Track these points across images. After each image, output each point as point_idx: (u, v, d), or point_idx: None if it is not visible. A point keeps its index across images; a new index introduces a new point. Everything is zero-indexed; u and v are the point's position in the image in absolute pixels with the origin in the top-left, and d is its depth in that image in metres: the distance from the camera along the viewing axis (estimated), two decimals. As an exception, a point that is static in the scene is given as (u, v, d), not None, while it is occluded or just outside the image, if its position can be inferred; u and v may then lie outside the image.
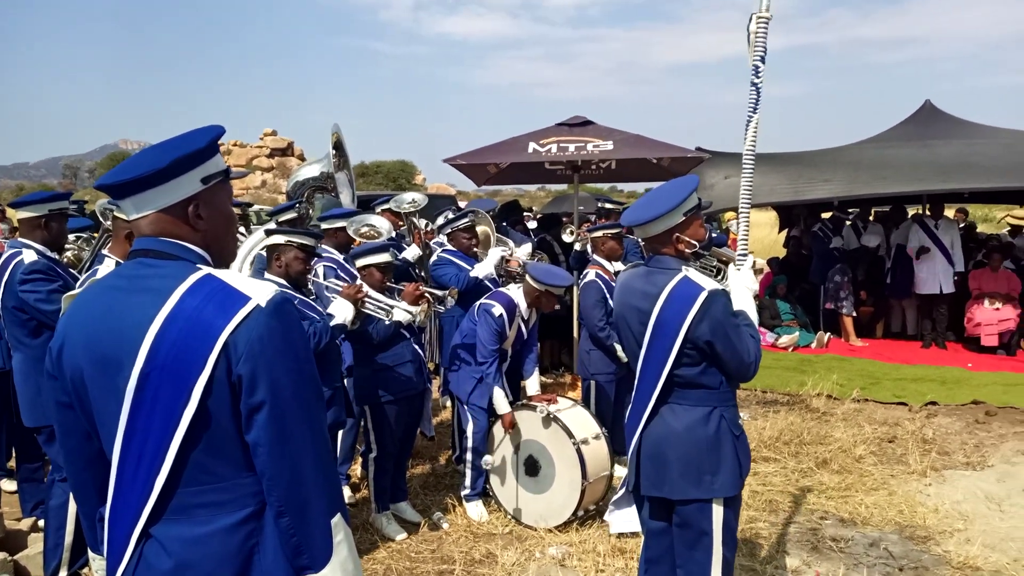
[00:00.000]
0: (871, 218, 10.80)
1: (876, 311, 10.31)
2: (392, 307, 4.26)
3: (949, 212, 10.84)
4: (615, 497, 3.19)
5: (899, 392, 7.41)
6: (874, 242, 10.16)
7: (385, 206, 6.01)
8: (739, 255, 3.05)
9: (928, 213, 9.74)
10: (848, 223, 10.41)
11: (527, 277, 4.75)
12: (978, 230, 12.50)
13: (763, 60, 3.07)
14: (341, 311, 4.06)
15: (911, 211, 10.76)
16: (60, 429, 1.76)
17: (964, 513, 4.65)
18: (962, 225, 11.24)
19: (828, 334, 9.69)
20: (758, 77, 3.06)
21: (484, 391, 4.63)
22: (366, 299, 4.20)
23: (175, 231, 1.65)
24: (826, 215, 10.65)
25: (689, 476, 2.72)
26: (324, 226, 5.14)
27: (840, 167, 9.96)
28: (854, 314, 9.73)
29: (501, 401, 4.58)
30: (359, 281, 4.35)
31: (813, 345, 9.51)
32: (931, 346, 9.38)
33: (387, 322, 4.27)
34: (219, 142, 1.72)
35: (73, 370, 1.63)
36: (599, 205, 7.04)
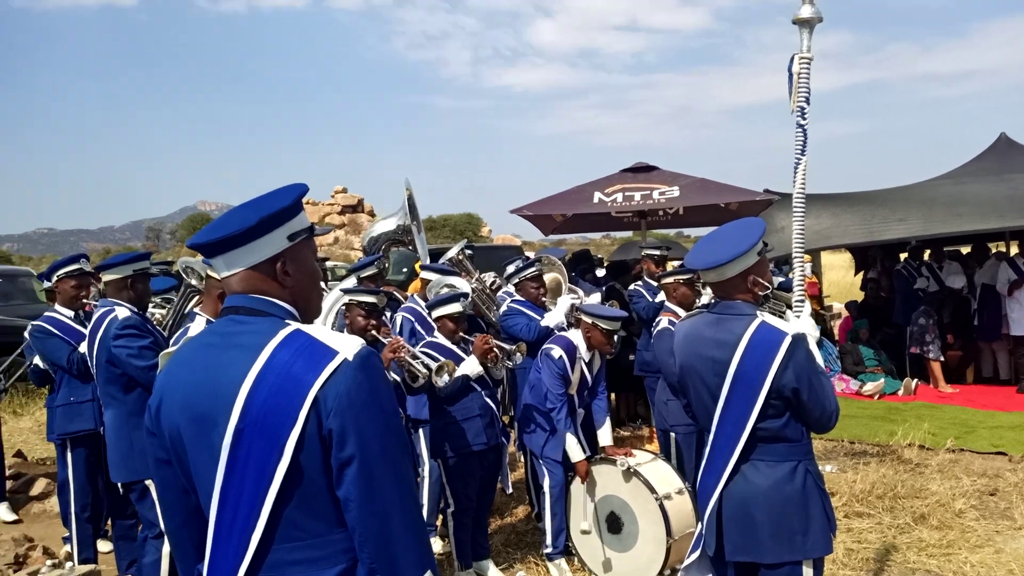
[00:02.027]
0: (947, 259, 10.41)
1: (964, 355, 9.85)
2: (437, 365, 4.15)
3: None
4: (686, 563, 3.01)
5: (997, 441, 7.00)
6: (959, 283, 9.77)
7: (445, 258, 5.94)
8: (796, 301, 2.94)
9: (1017, 251, 9.33)
10: (926, 265, 10.05)
11: (581, 314, 4.70)
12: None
13: (808, 101, 3.02)
14: None
15: (993, 248, 10.34)
16: (159, 485, 1.78)
17: (1081, 571, 4.32)
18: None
19: (915, 380, 9.27)
20: (804, 119, 3.01)
21: (558, 443, 4.55)
22: (414, 356, 4.16)
23: (264, 287, 1.68)
24: (903, 255, 10.32)
25: (780, 537, 2.56)
26: (422, 276, 5.27)
27: (915, 205, 9.66)
28: (942, 358, 9.30)
29: (574, 448, 4.48)
30: (397, 336, 4.38)
31: (900, 392, 9.11)
32: (1028, 390, 8.89)
33: (446, 379, 4.18)
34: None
35: (171, 427, 1.65)
36: (643, 252, 6.80)
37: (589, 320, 4.62)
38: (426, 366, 4.11)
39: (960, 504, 5.36)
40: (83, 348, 4.39)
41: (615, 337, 4.70)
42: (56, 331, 4.64)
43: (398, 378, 4.17)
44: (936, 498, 5.47)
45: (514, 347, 4.48)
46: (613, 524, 4.45)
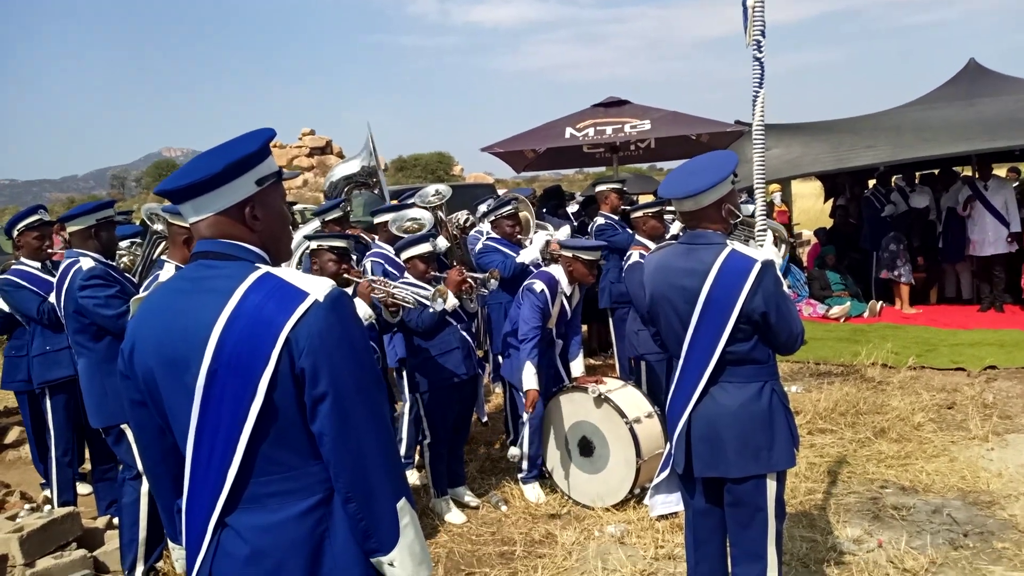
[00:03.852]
0: (916, 181, 10.57)
1: (929, 277, 10.10)
2: (421, 296, 4.24)
3: (1000, 171, 10.54)
4: (655, 482, 3.15)
5: (956, 357, 7.26)
6: (923, 203, 9.90)
7: (411, 201, 5.96)
8: (759, 231, 3.02)
9: (977, 175, 9.49)
10: (895, 187, 10.19)
11: (561, 249, 4.79)
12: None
13: (763, 34, 3.05)
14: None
15: (962, 172, 10.49)
16: (135, 426, 1.84)
17: (1029, 477, 4.56)
18: (1016, 184, 10.91)
19: (880, 302, 9.52)
20: (760, 51, 3.05)
21: (539, 376, 4.66)
22: (392, 292, 4.22)
23: (233, 232, 1.71)
24: (872, 182, 10.44)
25: (746, 453, 2.67)
26: (376, 221, 5.25)
27: (883, 132, 9.75)
28: (912, 282, 9.53)
29: (530, 377, 4.57)
30: (371, 276, 4.43)
31: (865, 314, 9.35)
32: (988, 309, 9.16)
33: (429, 310, 4.31)
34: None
35: (144, 370, 1.70)
36: (608, 187, 6.66)
37: (570, 254, 4.70)
38: (420, 296, 4.19)
39: (919, 418, 5.59)
40: (52, 298, 4.40)
41: (595, 267, 4.81)
42: (25, 283, 4.64)
43: (374, 316, 4.20)
44: (896, 413, 5.71)
45: (486, 275, 4.57)
46: (585, 448, 4.61)
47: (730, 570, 2.88)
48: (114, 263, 4.15)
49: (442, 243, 5.59)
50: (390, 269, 4.92)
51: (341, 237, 4.32)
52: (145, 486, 3.76)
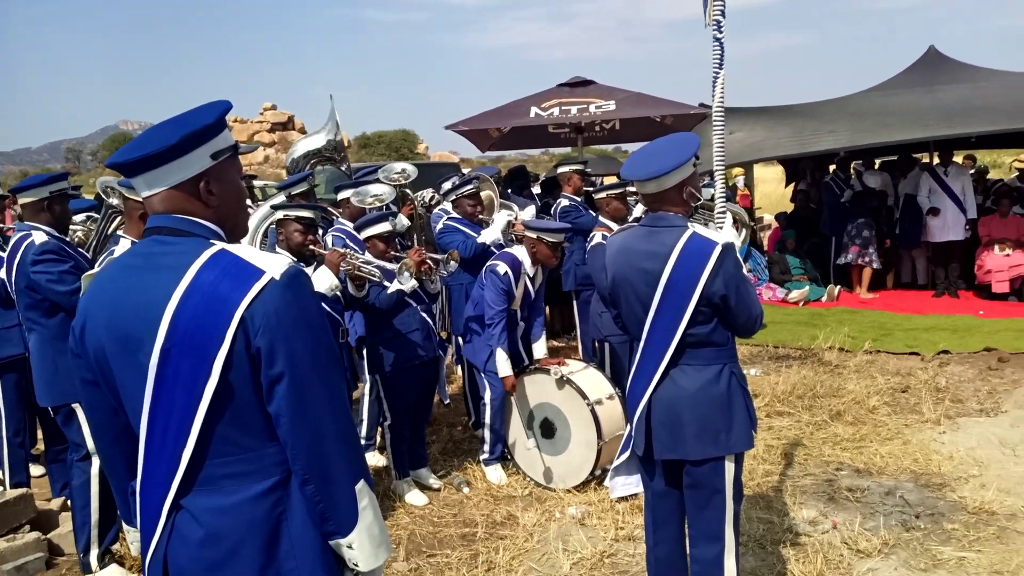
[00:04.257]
0: (876, 167, 10.73)
1: (886, 262, 10.29)
2: (385, 276, 4.22)
3: (958, 159, 10.75)
4: (615, 464, 3.17)
5: (911, 342, 7.42)
6: (875, 183, 10.04)
7: (372, 176, 5.79)
8: (718, 214, 3.03)
9: (937, 161, 9.66)
10: (853, 172, 10.33)
11: (525, 231, 4.77)
12: (989, 176, 12.38)
13: (723, 14, 3.06)
14: (322, 280, 4.04)
15: (922, 159, 10.68)
16: (87, 406, 1.80)
17: (979, 459, 4.68)
18: (972, 171, 11.14)
19: (839, 287, 9.67)
20: (720, 32, 3.06)
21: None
22: (360, 266, 4.19)
23: (187, 207, 1.66)
24: (832, 167, 10.58)
25: (705, 436, 2.70)
26: (339, 197, 5.18)
27: (845, 117, 9.88)
28: (879, 266, 9.66)
29: (503, 364, 4.59)
30: (341, 248, 4.38)
31: (824, 299, 9.50)
32: (943, 295, 9.37)
33: (389, 291, 4.29)
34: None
35: (96, 348, 1.65)
36: (570, 168, 6.61)
37: (534, 235, 4.69)
38: (381, 268, 4.14)
39: (874, 401, 5.70)
40: (2, 274, 4.27)
41: (559, 249, 4.80)
42: (-26, 257, 4.50)
43: (339, 288, 4.14)
44: (852, 396, 5.82)
45: (445, 255, 4.54)
46: (547, 430, 4.62)
47: (688, 551, 2.91)
48: (67, 238, 4.03)
49: (403, 222, 5.53)
50: (352, 245, 4.85)
51: (309, 208, 4.24)
52: (95, 467, 3.68)
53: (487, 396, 4.74)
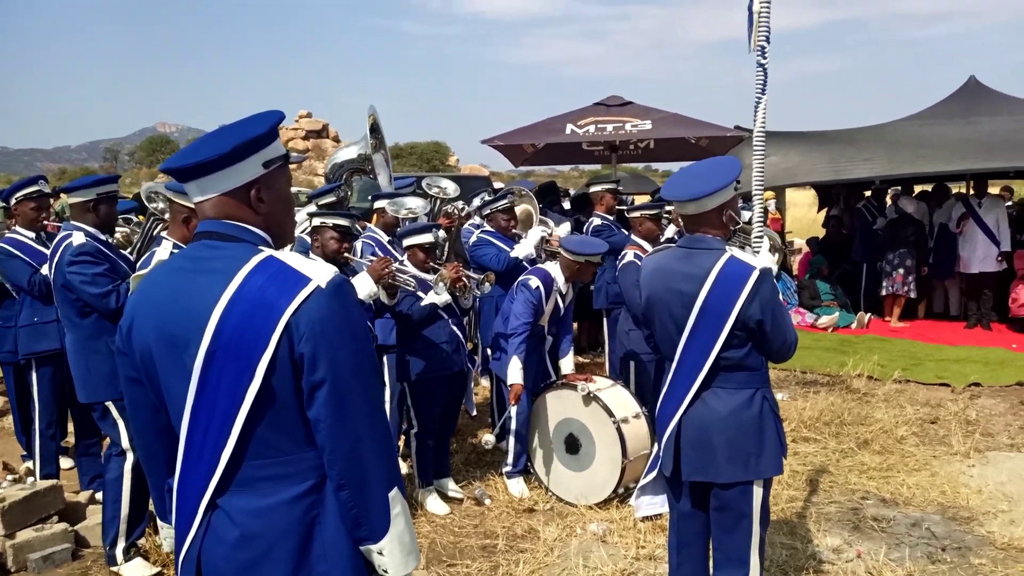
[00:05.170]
0: (913, 193, 10.61)
1: (918, 292, 10.16)
2: (419, 287, 4.27)
3: (994, 190, 10.61)
4: (641, 483, 3.16)
5: (942, 373, 7.32)
6: (911, 209, 9.90)
7: (409, 188, 5.87)
8: (755, 238, 3.03)
9: (972, 192, 9.54)
10: (890, 198, 10.22)
11: (562, 251, 4.79)
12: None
13: (768, 40, 3.05)
14: (361, 287, 4.07)
15: (954, 190, 10.55)
16: (130, 403, 1.83)
17: (1008, 494, 4.60)
18: (1009, 203, 10.98)
19: (869, 314, 9.57)
20: (764, 57, 3.05)
21: (526, 372, 4.67)
22: (396, 275, 4.23)
23: (238, 214, 1.70)
24: (867, 193, 10.49)
25: (735, 459, 2.69)
26: (376, 205, 5.26)
27: (881, 145, 9.79)
28: (915, 295, 9.55)
29: (515, 371, 4.55)
30: (386, 257, 4.43)
31: (854, 326, 9.40)
32: (975, 327, 9.23)
33: (423, 303, 4.34)
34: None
35: (142, 347, 1.69)
36: (603, 188, 6.60)
37: (580, 259, 4.69)
38: (417, 279, 4.22)
39: (902, 431, 5.63)
40: (45, 270, 4.38)
41: (596, 267, 4.86)
42: (18, 252, 4.61)
43: (374, 297, 4.18)
44: (880, 425, 5.75)
45: (483, 276, 4.57)
46: (571, 445, 4.63)
47: (711, 573, 2.90)
48: (109, 239, 4.12)
49: (442, 235, 5.59)
50: (380, 253, 4.91)
51: (345, 216, 4.29)
52: (129, 463, 3.75)
53: (513, 410, 4.75)
